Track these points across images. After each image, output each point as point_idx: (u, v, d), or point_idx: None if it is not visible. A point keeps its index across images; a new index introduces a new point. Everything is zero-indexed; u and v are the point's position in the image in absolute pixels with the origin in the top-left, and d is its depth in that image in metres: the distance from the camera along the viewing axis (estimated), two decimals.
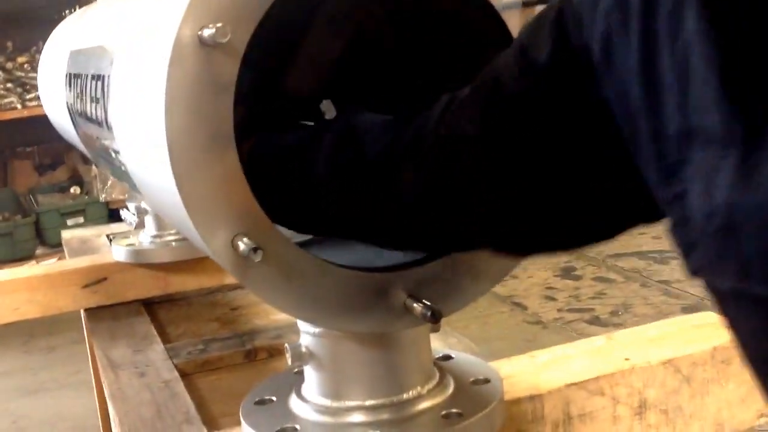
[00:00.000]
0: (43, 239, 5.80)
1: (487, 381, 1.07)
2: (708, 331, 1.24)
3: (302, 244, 0.92)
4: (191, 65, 0.82)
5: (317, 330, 1.02)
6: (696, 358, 1.17)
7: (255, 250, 0.82)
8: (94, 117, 1.35)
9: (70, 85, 1.63)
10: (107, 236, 2.53)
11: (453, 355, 1.17)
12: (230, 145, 0.85)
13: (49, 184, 6.25)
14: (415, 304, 0.93)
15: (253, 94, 1.13)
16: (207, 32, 0.80)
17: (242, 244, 0.83)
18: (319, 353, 1.04)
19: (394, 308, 0.95)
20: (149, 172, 0.96)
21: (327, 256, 0.94)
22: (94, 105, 1.33)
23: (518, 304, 4.54)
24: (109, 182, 5.53)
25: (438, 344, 1.51)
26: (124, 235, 2.19)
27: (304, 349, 1.04)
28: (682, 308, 4.22)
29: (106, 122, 1.23)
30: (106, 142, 1.32)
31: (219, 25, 0.79)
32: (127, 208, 2.35)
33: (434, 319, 0.91)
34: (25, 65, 5.64)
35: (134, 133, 0.99)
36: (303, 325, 1.04)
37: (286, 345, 1.04)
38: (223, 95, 0.84)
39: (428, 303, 0.93)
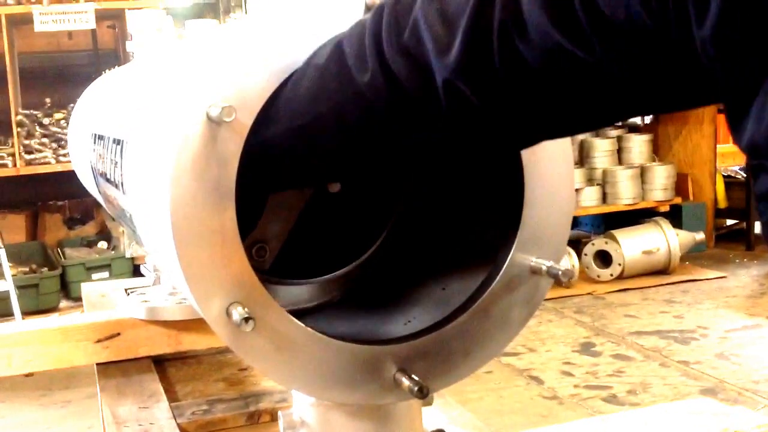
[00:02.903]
0: (68, 292, 5.87)
1: None
2: (705, 418, 1.24)
3: (296, 314, 0.95)
4: (198, 139, 0.87)
5: (310, 399, 1.04)
6: None
7: (246, 320, 0.85)
8: (112, 179, 1.40)
9: (94, 144, 1.69)
10: (125, 290, 2.57)
11: (445, 430, 1.18)
12: (231, 215, 0.89)
13: (78, 238, 6.35)
14: (403, 379, 0.95)
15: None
16: (214, 111, 0.84)
17: (235, 313, 0.86)
18: (311, 422, 1.05)
19: (384, 381, 0.97)
20: (154, 236, 1.00)
21: (319, 326, 0.96)
22: (113, 167, 1.38)
23: (535, 378, 4.49)
24: None
25: (439, 416, 1.51)
26: (140, 291, 2.22)
27: (296, 417, 1.06)
28: (700, 390, 4.15)
29: (122, 185, 1.28)
30: (122, 204, 1.36)
31: (225, 105, 0.84)
32: (146, 264, 2.40)
33: (421, 394, 0.92)
34: (62, 121, 5.79)
35: (142, 198, 1.03)
36: (297, 393, 1.06)
37: (279, 412, 1.06)
38: (226, 169, 0.88)
39: (416, 378, 0.94)
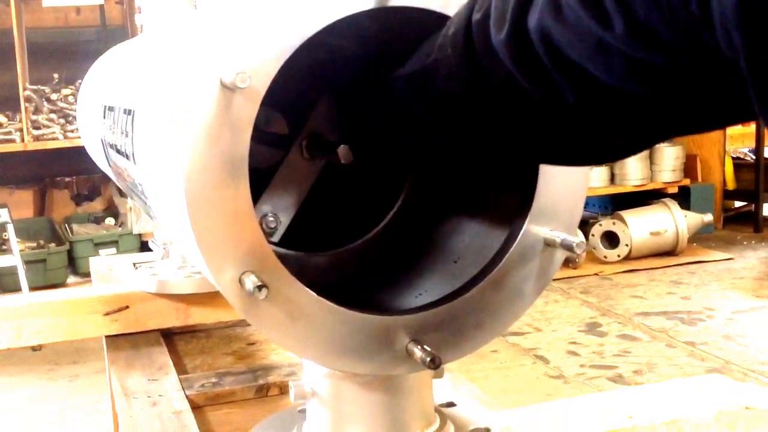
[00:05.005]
0: (76, 268, 5.89)
1: (486, 430, 1.08)
2: (718, 394, 1.24)
3: (309, 285, 0.94)
4: (212, 106, 0.86)
5: (321, 369, 1.04)
6: (700, 420, 1.17)
7: (260, 288, 0.85)
8: (123, 150, 1.40)
9: (104, 117, 1.68)
10: (133, 264, 2.57)
11: (456, 403, 1.18)
12: (244, 184, 0.88)
13: (85, 214, 6.37)
14: (415, 349, 0.95)
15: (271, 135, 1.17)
16: (228, 77, 0.84)
17: (249, 282, 0.86)
18: (322, 393, 1.05)
19: (396, 352, 0.97)
20: (166, 206, 1.00)
21: (330, 298, 0.96)
22: (123, 138, 1.38)
23: (541, 358, 4.49)
24: (143, 214, 5.62)
25: (447, 391, 1.51)
26: (149, 264, 2.23)
27: (307, 388, 1.06)
28: (706, 371, 4.15)
29: (133, 155, 1.28)
30: (133, 175, 1.36)
31: (239, 71, 0.83)
32: (154, 239, 2.40)
33: (433, 365, 0.92)
34: (69, 97, 5.79)
35: (155, 166, 1.02)
36: (308, 364, 1.06)
37: (290, 382, 1.06)
38: (240, 135, 0.87)
39: (428, 349, 0.94)
